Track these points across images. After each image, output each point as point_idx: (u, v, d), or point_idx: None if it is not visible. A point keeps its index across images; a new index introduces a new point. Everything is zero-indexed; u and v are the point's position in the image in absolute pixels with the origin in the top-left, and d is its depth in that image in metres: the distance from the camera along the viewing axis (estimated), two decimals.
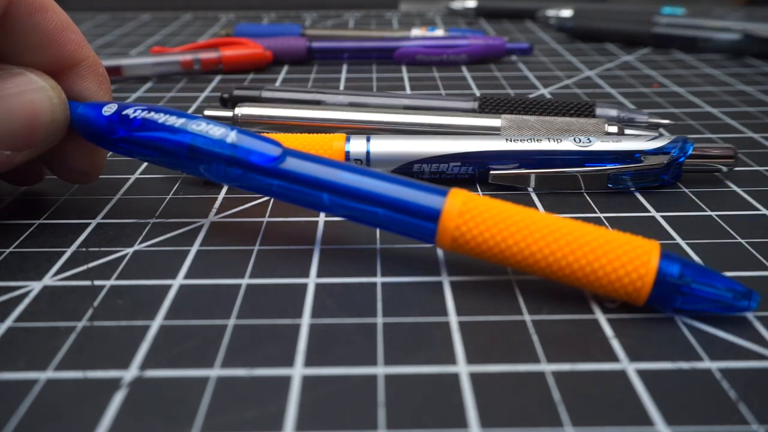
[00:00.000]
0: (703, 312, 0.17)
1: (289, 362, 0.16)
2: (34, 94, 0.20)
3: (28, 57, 0.21)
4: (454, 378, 0.15)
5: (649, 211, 0.23)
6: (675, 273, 0.17)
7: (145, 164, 0.27)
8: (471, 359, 0.16)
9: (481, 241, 0.18)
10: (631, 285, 0.17)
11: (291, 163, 0.19)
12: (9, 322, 0.17)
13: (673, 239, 0.21)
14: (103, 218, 0.23)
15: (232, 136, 0.20)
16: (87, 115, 0.21)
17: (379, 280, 0.19)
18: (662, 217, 0.23)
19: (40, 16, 0.21)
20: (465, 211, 0.18)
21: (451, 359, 0.16)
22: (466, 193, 0.18)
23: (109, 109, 0.21)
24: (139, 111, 0.21)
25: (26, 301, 0.18)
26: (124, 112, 0.21)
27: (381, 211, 0.19)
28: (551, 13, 0.57)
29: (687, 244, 0.21)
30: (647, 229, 0.22)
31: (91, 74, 0.22)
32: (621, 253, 0.17)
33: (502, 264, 0.18)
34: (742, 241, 0.21)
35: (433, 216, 0.18)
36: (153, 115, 0.20)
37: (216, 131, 0.20)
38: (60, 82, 0.21)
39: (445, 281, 0.19)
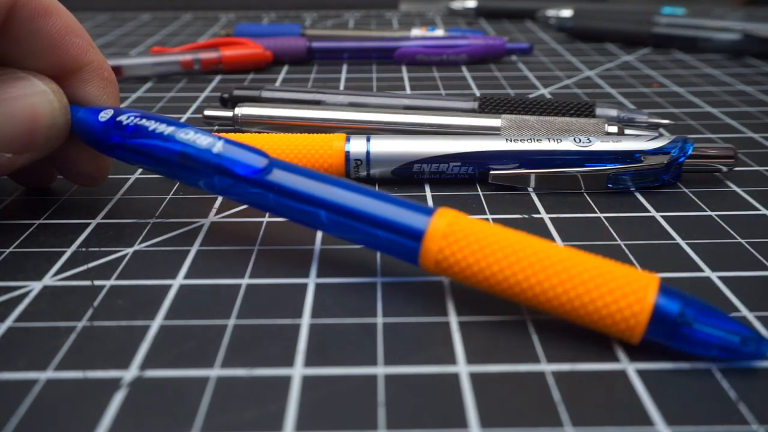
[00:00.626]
0: (706, 357, 0.16)
1: (289, 362, 0.16)
2: (35, 98, 0.20)
3: (31, 61, 0.21)
4: (454, 378, 0.15)
5: (649, 211, 0.23)
6: (674, 311, 0.15)
7: None
8: (471, 359, 0.16)
9: (464, 266, 0.17)
10: (623, 322, 0.15)
11: (278, 176, 0.19)
12: (9, 322, 0.17)
13: (673, 239, 0.21)
14: (103, 218, 0.23)
15: (218, 146, 0.19)
16: (85, 120, 0.21)
17: (379, 280, 0.19)
18: (662, 217, 0.23)
19: (44, 21, 0.21)
20: (450, 234, 0.17)
21: (451, 359, 0.16)
22: (453, 214, 0.17)
23: (105, 115, 0.21)
24: (132, 117, 0.21)
25: (26, 301, 0.18)
26: (119, 118, 0.21)
27: (366, 228, 0.18)
28: (551, 13, 0.57)
29: (687, 244, 0.21)
30: (647, 229, 0.22)
31: (95, 78, 0.22)
32: (614, 287, 0.15)
33: (487, 291, 0.17)
34: (742, 241, 0.21)
35: (416, 236, 0.17)
36: (144, 122, 0.20)
37: (203, 141, 0.20)
38: (63, 86, 0.21)
39: (445, 281, 0.19)
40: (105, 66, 0.23)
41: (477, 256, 0.17)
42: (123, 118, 0.21)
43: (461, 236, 0.17)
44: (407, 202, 0.18)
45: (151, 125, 0.20)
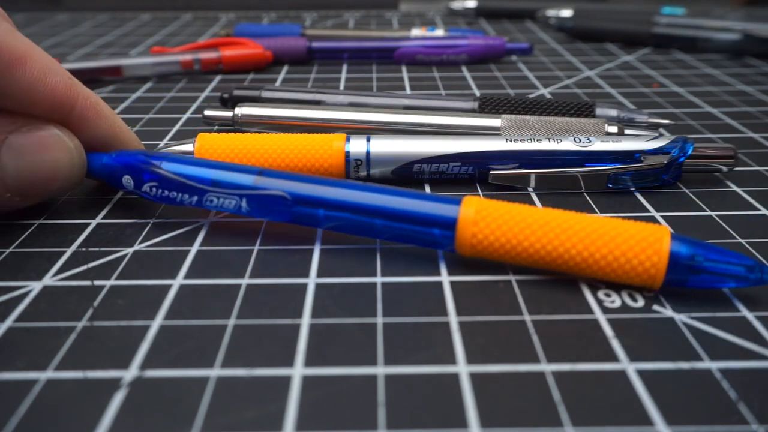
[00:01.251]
0: (719, 287, 0.18)
1: (289, 362, 0.16)
2: (59, 153, 0.21)
3: (22, 110, 0.21)
4: (454, 378, 0.15)
5: (649, 211, 0.23)
6: (687, 254, 0.17)
7: None
8: (471, 359, 0.16)
9: (498, 246, 0.18)
10: (645, 272, 0.18)
11: (301, 200, 0.20)
12: (9, 322, 0.17)
13: None
14: (103, 218, 0.23)
15: (244, 205, 0.21)
16: (111, 177, 0.22)
17: (379, 280, 0.19)
18: (662, 217, 0.23)
19: (20, 70, 0.20)
20: (479, 219, 0.19)
21: (451, 359, 0.16)
22: (478, 200, 0.19)
23: (127, 183, 0.22)
24: (154, 189, 0.21)
25: (26, 301, 0.18)
26: (143, 189, 0.22)
27: (400, 225, 0.19)
28: (551, 13, 0.57)
29: None
30: None
31: (90, 111, 0.22)
32: (633, 243, 0.17)
33: (523, 263, 0.19)
34: (742, 241, 0.21)
35: (450, 225, 0.19)
36: (168, 195, 0.21)
37: (230, 204, 0.21)
38: (69, 129, 0.22)
39: (445, 281, 0.19)
40: (91, 93, 0.22)
41: (508, 235, 0.18)
42: (146, 188, 0.21)
43: (490, 219, 0.19)
44: (434, 196, 0.20)
45: (177, 198, 0.21)
